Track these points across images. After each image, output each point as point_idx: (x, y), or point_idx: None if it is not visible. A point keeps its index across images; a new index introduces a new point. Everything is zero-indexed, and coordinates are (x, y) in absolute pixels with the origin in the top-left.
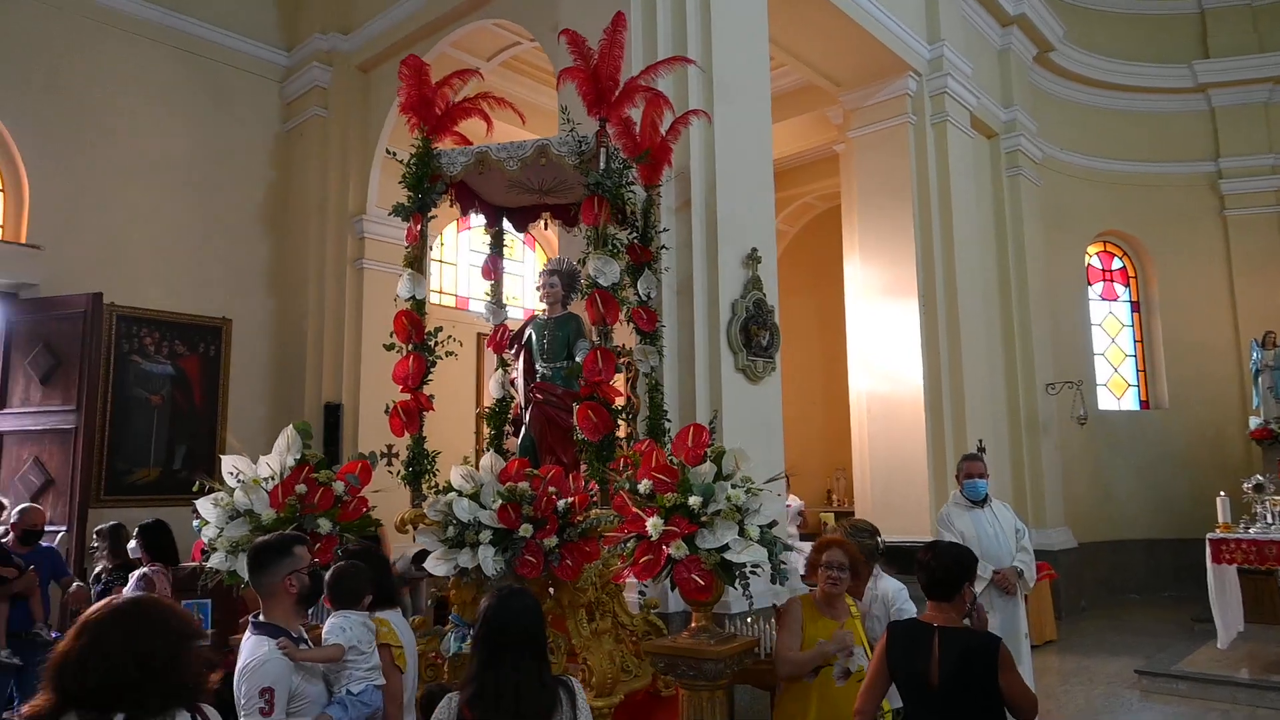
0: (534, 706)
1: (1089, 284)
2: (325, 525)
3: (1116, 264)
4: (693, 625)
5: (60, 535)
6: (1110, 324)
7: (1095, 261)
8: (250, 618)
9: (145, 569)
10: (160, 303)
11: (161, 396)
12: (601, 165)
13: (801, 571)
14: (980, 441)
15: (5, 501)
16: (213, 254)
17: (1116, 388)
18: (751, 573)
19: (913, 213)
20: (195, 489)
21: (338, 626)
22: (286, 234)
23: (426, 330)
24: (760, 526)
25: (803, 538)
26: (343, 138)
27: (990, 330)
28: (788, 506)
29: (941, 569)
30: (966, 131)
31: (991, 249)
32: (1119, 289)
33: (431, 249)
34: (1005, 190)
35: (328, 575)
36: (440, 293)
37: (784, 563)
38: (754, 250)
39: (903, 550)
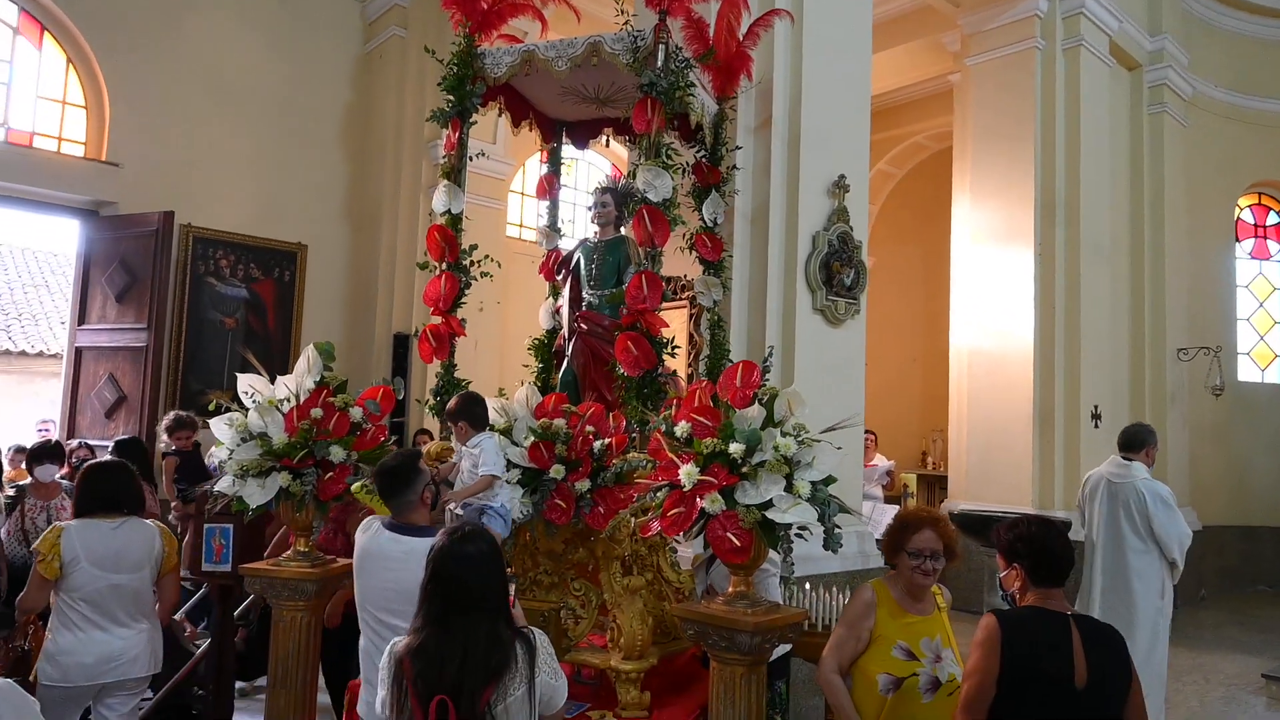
0: (482, 668)
1: (1237, 240)
2: (338, 453)
3: (1272, 218)
4: (730, 590)
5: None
6: (1259, 286)
7: (1247, 215)
8: (379, 522)
9: None
10: (237, 225)
11: (235, 319)
12: (659, 64)
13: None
14: (1096, 408)
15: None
16: (290, 178)
17: (1261, 358)
18: (798, 536)
19: (1034, 151)
20: (211, 408)
21: (492, 449)
22: (364, 159)
23: (461, 248)
24: (812, 482)
25: (887, 500)
26: (420, 58)
27: (1116, 285)
28: (872, 465)
29: (1064, 550)
30: (1104, 59)
31: (1124, 194)
32: (1273, 246)
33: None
34: (1145, 130)
35: (459, 402)
36: (521, 226)
37: (838, 527)
38: (841, 178)
39: (987, 519)
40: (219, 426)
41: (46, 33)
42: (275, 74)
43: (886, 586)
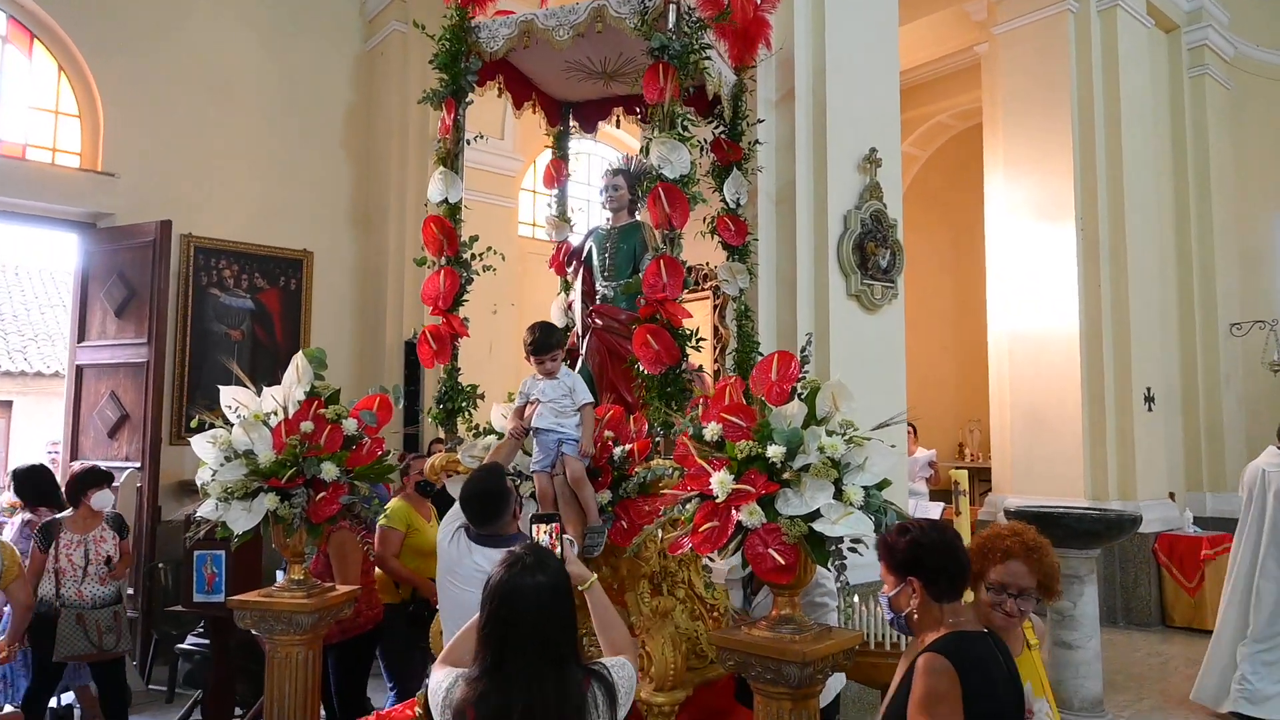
0: None
1: None
2: (330, 471)
3: None
4: (773, 613)
5: (128, 472)
6: None
7: None
8: (465, 533)
9: (27, 515)
10: (240, 233)
11: (241, 331)
12: (670, 26)
13: None
14: (1149, 390)
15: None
16: (293, 182)
17: None
18: (851, 549)
19: (1071, 119)
20: (194, 425)
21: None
22: (368, 161)
23: (461, 240)
24: (865, 488)
25: (933, 495)
26: (423, 54)
27: (1163, 259)
28: (913, 458)
29: (967, 558)
30: (1142, 20)
31: (1167, 163)
32: None
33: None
34: (1186, 94)
35: (548, 333)
36: (534, 225)
37: None
38: (872, 151)
39: (1049, 516)
40: (201, 445)
41: (36, 40)
42: (274, 76)
43: None
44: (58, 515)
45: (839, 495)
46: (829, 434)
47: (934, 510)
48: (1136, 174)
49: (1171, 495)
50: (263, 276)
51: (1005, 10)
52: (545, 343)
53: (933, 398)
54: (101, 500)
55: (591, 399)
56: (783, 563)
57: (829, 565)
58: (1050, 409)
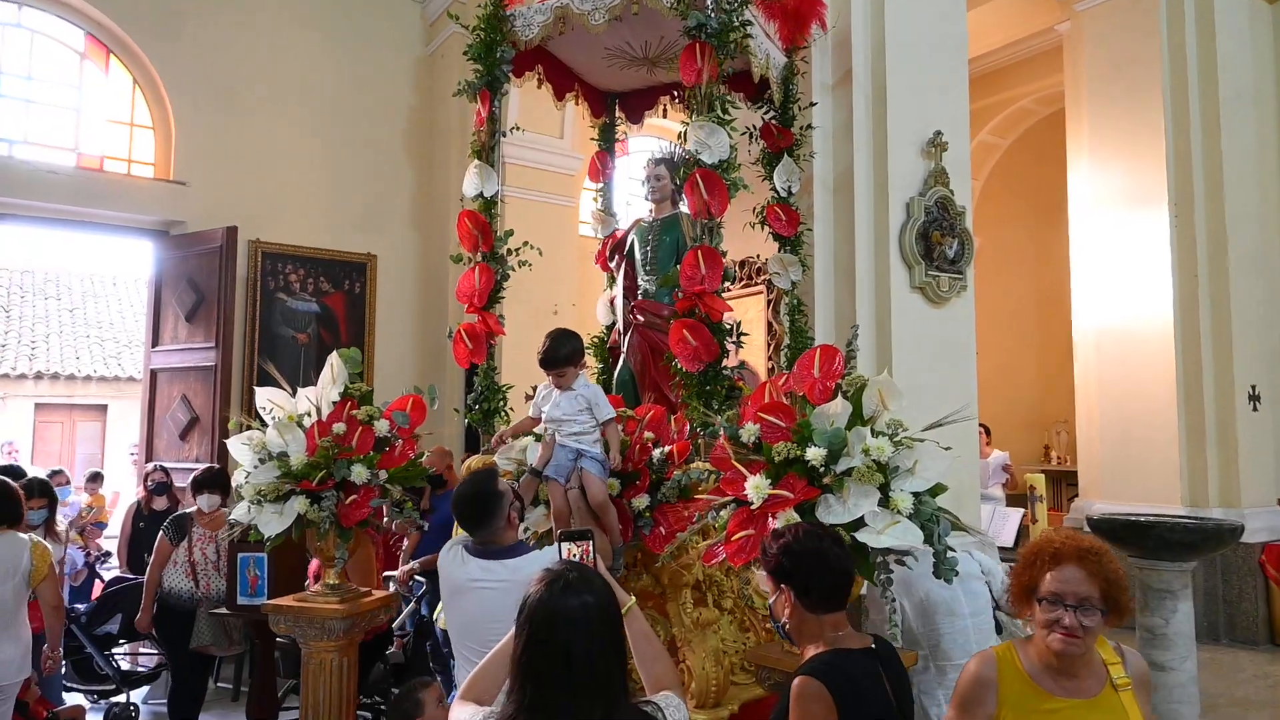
0: None
1: None
2: (360, 473)
3: None
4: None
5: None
6: None
7: None
8: (463, 546)
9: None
10: (305, 238)
11: (308, 335)
12: (708, 2)
13: (1002, 583)
14: (1254, 389)
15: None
16: (356, 187)
17: None
18: (899, 563)
19: (1163, 100)
20: (232, 426)
21: (600, 391)
22: (430, 164)
23: (496, 235)
24: (914, 494)
25: (1010, 501)
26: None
27: (1267, 247)
28: (985, 461)
29: (843, 565)
30: None
31: (1272, 143)
32: None
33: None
34: None
35: (562, 344)
36: (584, 223)
37: (950, 549)
38: (937, 134)
39: (1137, 525)
40: (236, 447)
41: (112, 55)
42: (337, 82)
43: (1015, 653)
44: (188, 509)
45: (885, 502)
46: (875, 435)
47: (1013, 517)
48: (1236, 157)
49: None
50: (328, 280)
51: None
52: (550, 356)
53: (1014, 397)
54: (206, 503)
55: (613, 414)
56: None
57: (874, 579)
58: (1142, 409)
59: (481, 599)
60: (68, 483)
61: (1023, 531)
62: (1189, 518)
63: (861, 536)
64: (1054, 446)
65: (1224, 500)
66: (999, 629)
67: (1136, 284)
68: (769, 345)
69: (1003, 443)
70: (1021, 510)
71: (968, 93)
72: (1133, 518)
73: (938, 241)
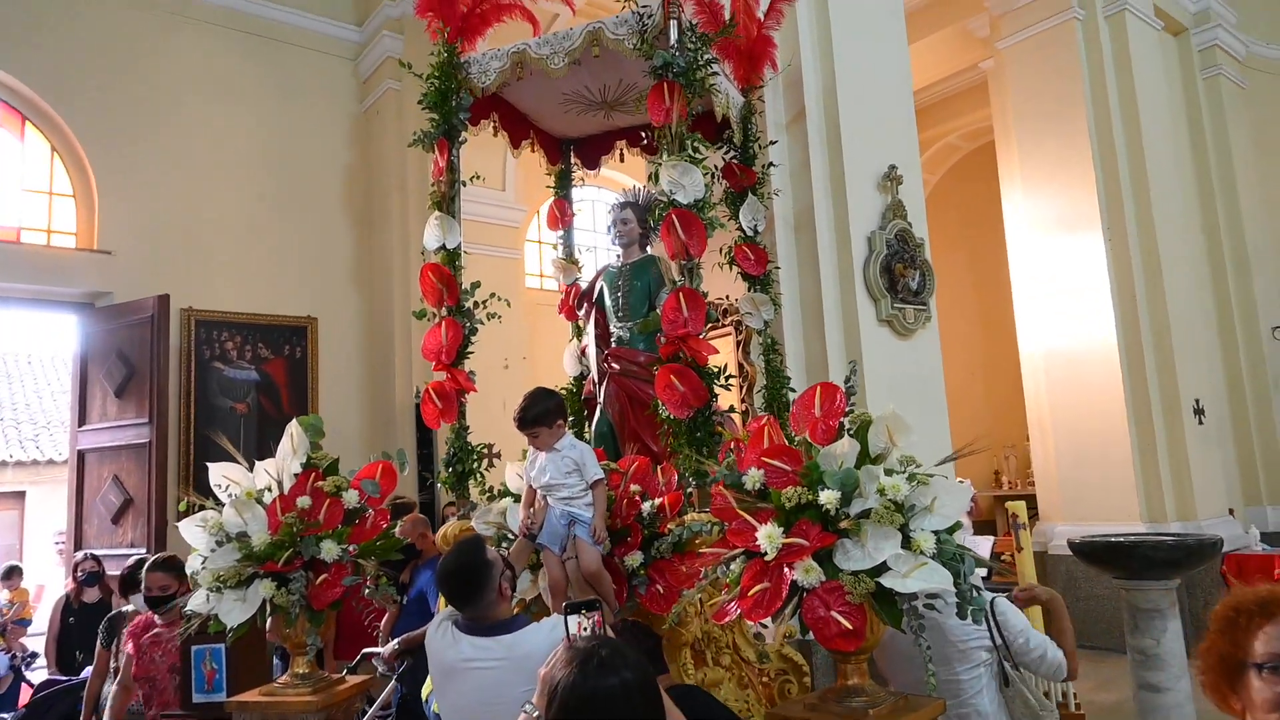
0: None
1: None
2: (330, 550)
3: None
4: (838, 683)
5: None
6: None
7: None
8: (451, 624)
9: None
10: (241, 304)
11: (247, 404)
12: (672, 42)
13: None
14: (1198, 402)
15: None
16: (294, 249)
17: None
18: (928, 606)
19: (1088, 128)
20: (181, 508)
21: (589, 450)
22: (369, 222)
23: (462, 288)
24: (935, 533)
25: (976, 530)
26: (419, 110)
27: (1196, 265)
28: None
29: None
30: (1150, 22)
31: (1189, 167)
32: None
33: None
34: (1202, 96)
35: (541, 402)
36: (542, 275)
37: (976, 589)
38: (892, 169)
39: (1120, 546)
40: (189, 530)
41: (28, 122)
42: (269, 144)
43: None
44: (123, 609)
45: (907, 544)
46: (888, 473)
47: (983, 545)
48: (1161, 179)
49: (1231, 511)
50: (266, 346)
51: (1009, 24)
52: (519, 417)
53: (960, 424)
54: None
55: (603, 475)
56: (849, 627)
57: (904, 626)
58: (1095, 429)
59: (477, 681)
60: None
61: (995, 559)
62: (1171, 535)
63: (887, 582)
64: (1004, 471)
65: (1181, 514)
66: (1006, 681)
67: (1078, 306)
68: (741, 388)
69: (957, 471)
70: (991, 538)
71: (915, 126)
72: (1114, 539)
73: (901, 274)
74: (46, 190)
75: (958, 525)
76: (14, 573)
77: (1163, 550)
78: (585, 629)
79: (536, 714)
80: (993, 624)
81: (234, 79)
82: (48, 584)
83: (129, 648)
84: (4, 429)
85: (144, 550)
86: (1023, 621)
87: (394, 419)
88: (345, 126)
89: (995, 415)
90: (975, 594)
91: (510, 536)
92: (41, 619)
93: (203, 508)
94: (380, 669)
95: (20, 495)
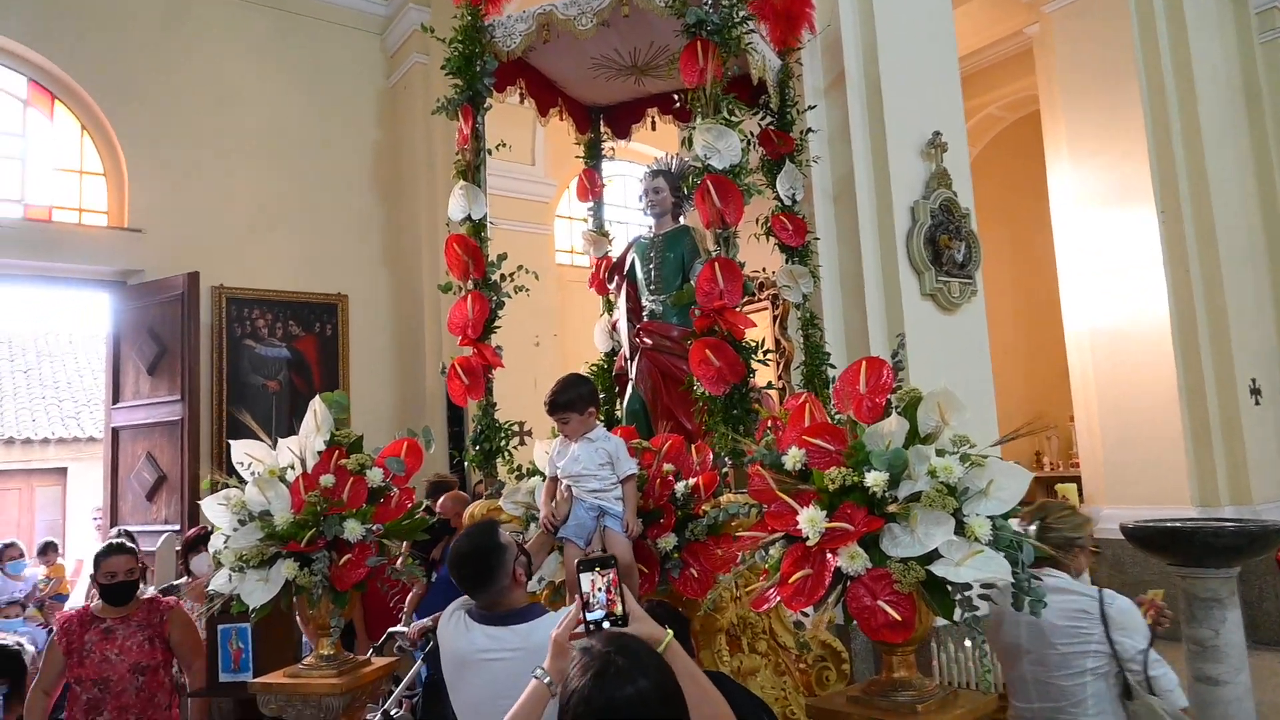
0: None
1: None
2: (354, 529)
3: None
4: (883, 675)
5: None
6: None
7: None
8: (464, 612)
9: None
10: (272, 281)
11: (279, 381)
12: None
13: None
14: (1254, 381)
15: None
16: (324, 226)
17: None
18: (982, 598)
19: (1141, 96)
20: (205, 486)
21: (622, 442)
22: (398, 198)
23: (489, 261)
24: (991, 518)
25: None
26: (445, 83)
27: (1254, 240)
28: None
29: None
30: None
31: (1246, 137)
32: None
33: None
34: (1260, 62)
35: (574, 388)
36: (573, 251)
37: (1036, 578)
38: (936, 135)
39: (1178, 532)
40: (212, 508)
41: (57, 101)
42: (297, 119)
43: None
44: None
45: (960, 529)
46: (939, 454)
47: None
48: (1217, 150)
49: None
50: (298, 324)
51: None
52: (550, 401)
53: (1003, 403)
54: (199, 564)
55: (635, 470)
56: (897, 618)
57: (953, 617)
58: (1144, 410)
59: (491, 673)
60: (21, 555)
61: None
62: (1230, 521)
63: (938, 570)
64: (1045, 452)
65: (1235, 498)
66: (1129, 693)
67: (1128, 283)
68: (778, 364)
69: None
70: (1032, 526)
71: (960, 90)
72: (1173, 524)
73: (945, 245)
74: (77, 169)
75: (1015, 510)
76: (50, 548)
77: (1224, 537)
78: (600, 588)
79: (548, 679)
80: (1104, 627)
81: (261, 55)
82: (86, 559)
83: (60, 647)
84: (46, 407)
85: (177, 526)
86: (1142, 632)
87: (425, 397)
88: (373, 102)
89: (1037, 395)
90: (1031, 584)
91: (539, 517)
92: (80, 594)
93: (227, 485)
94: (405, 647)
95: (62, 472)
